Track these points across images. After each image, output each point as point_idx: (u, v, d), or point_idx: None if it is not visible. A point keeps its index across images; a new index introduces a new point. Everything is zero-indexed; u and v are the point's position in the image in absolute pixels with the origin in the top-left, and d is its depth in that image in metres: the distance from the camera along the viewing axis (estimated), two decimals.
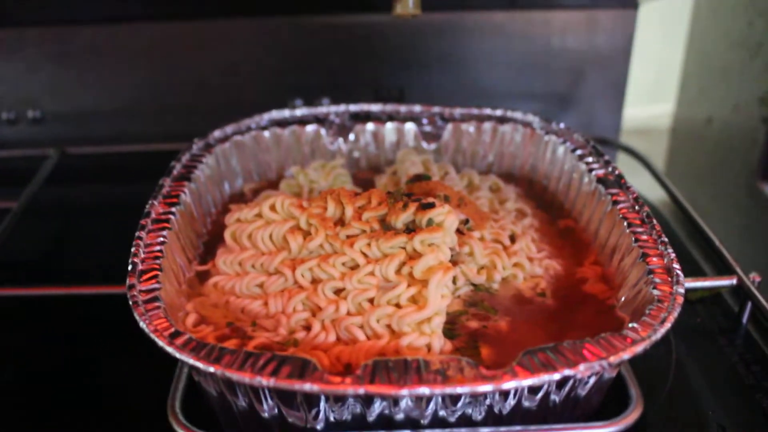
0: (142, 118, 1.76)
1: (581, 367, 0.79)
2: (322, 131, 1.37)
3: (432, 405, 0.85)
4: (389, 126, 1.38)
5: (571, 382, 0.87)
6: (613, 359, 0.80)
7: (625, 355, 0.81)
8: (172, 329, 0.86)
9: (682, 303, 0.87)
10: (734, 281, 1.14)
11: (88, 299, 1.16)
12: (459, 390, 0.77)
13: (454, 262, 1.03)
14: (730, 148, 1.81)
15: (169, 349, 0.83)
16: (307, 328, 0.96)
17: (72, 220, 1.57)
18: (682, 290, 0.90)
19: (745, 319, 1.16)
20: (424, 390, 0.77)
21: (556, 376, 0.78)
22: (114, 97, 1.75)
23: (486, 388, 0.77)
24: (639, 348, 0.82)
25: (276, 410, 0.87)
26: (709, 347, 1.14)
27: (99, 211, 1.59)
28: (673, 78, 2.15)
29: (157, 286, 0.93)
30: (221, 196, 1.28)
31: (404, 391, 0.77)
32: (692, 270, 1.25)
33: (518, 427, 0.88)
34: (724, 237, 1.26)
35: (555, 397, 0.89)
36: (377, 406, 0.85)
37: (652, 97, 2.41)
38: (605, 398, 0.97)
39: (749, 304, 1.15)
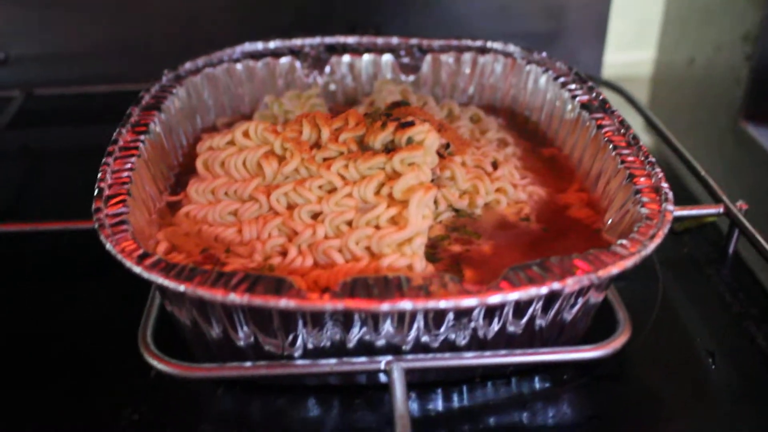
0: (109, 59, 1.70)
1: (569, 281, 0.76)
2: (297, 64, 1.33)
3: (414, 329, 0.81)
4: (366, 58, 1.34)
5: (557, 305, 0.84)
6: (602, 273, 0.77)
7: (615, 270, 0.78)
8: (141, 251, 0.82)
9: (669, 233, 0.84)
10: (721, 209, 1.11)
11: (56, 235, 1.12)
12: (442, 305, 0.73)
13: (436, 186, 0.99)
14: (713, 88, 1.78)
15: (137, 269, 0.79)
16: (283, 254, 0.92)
17: (39, 162, 1.52)
18: (671, 207, 0.87)
19: (731, 248, 1.14)
20: (405, 304, 0.73)
21: (544, 290, 0.75)
22: (80, 37, 1.69)
23: (470, 302, 0.74)
24: (628, 263, 0.79)
25: (252, 338, 0.84)
26: (696, 277, 1.12)
27: (67, 152, 1.53)
28: (655, 24, 2.11)
29: (124, 210, 0.89)
30: (193, 130, 1.23)
31: (385, 306, 0.73)
32: (678, 201, 1.22)
33: (503, 351, 0.85)
34: (709, 172, 1.23)
35: (541, 322, 0.86)
36: (357, 331, 0.82)
37: (633, 44, 2.37)
38: (592, 325, 0.94)
39: (736, 232, 1.12)
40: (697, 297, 1.08)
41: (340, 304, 0.73)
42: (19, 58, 1.69)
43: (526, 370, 0.93)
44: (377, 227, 0.90)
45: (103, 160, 0.97)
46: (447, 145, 1.03)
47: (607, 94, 1.56)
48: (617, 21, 1.91)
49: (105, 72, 1.67)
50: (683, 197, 1.32)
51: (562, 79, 1.20)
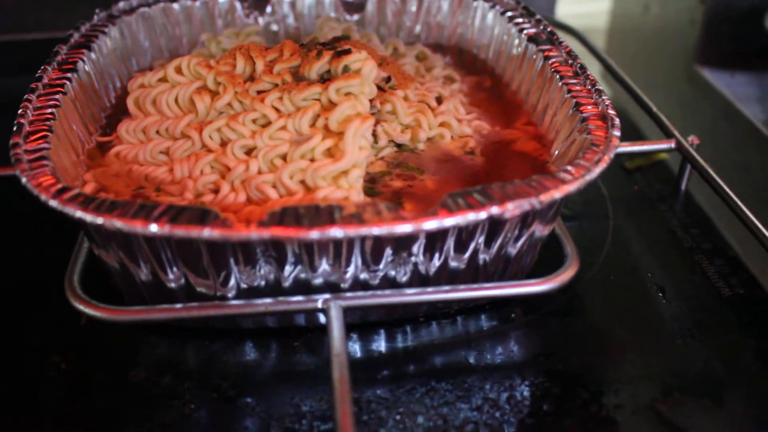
0: (44, 5, 1.61)
1: (509, 205, 0.72)
2: (237, 4, 1.27)
3: (352, 266, 0.78)
4: None
5: (501, 238, 0.81)
6: (543, 197, 0.74)
7: (557, 194, 0.75)
8: (60, 185, 0.77)
9: (620, 171, 0.81)
10: (672, 144, 1.08)
11: None
12: (375, 231, 0.69)
13: (377, 121, 0.95)
14: (668, 33, 1.75)
15: (54, 203, 0.74)
16: (216, 191, 0.87)
17: None
18: (617, 133, 0.84)
19: (683, 184, 1.11)
20: (336, 232, 0.69)
21: (483, 215, 0.71)
22: None
23: (405, 228, 0.70)
24: (571, 187, 0.76)
25: (183, 279, 0.80)
26: (648, 213, 1.09)
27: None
28: None
29: (45, 146, 0.84)
30: (128, 72, 1.17)
31: (314, 233, 0.69)
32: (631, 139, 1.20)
33: (446, 287, 0.82)
34: (663, 112, 1.20)
35: (484, 256, 0.82)
36: (291, 269, 0.78)
37: None
38: (539, 262, 0.91)
39: (688, 167, 1.09)
40: (649, 233, 1.05)
41: (267, 233, 0.69)
42: None
43: (472, 309, 0.90)
44: (312, 160, 0.85)
45: (25, 96, 0.92)
46: (388, 79, 0.99)
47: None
48: None
49: (39, 19, 1.59)
50: (638, 137, 1.30)
51: (509, 14, 1.15)
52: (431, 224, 0.70)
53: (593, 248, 1.00)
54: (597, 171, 0.78)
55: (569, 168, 0.78)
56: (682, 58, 1.68)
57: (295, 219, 0.70)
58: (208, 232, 0.69)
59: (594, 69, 1.42)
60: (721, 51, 1.63)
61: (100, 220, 0.71)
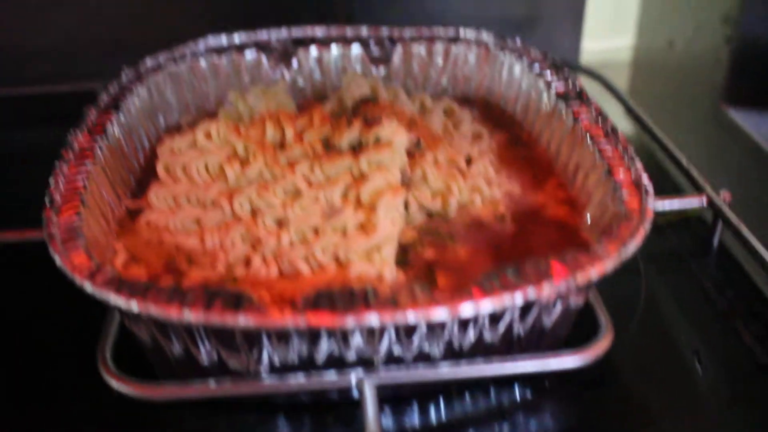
0: (71, 57, 1.63)
1: (545, 286, 0.72)
2: (263, 58, 1.27)
3: (385, 342, 0.77)
4: (334, 50, 1.28)
5: (536, 311, 0.80)
6: (580, 278, 0.73)
7: (594, 273, 0.74)
8: (93, 266, 0.76)
9: (651, 227, 0.80)
10: (704, 200, 1.07)
11: (9, 247, 1.05)
12: (411, 317, 0.69)
13: (406, 187, 0.95)
14: (693, 71, 1.74)
15: (88, 287, 0.74)
16: (248, 263, 0.87)
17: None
18: (652, 203, 0.83)
19: (716, 240, 1.10)
20: (372, 318, 0.69)
21: (518, 298, 0.71)
22: (40, 34, 1.62)
23: (440, 314, 0.69)
24: (608, 264, 0.75)
25: (215, 355, 0.79)
26: (680, 272, 1.08)
27: (28, 156, 1.46)
28: (632, 9, 2.07)
29: (77, 220, 0.84)
30: (156, 130, 1.18)
31: (349, 321, 0.69)
32: (661, 192, 1.18)
33: (480, 361, 0.81)
34: (691, 159, 1.19)
35: (519, 329, 0.81)
36: (325, 346, 0.77)
37: (611, 30, 2.33)
38: (573, 331, 0.90)
39: (720, 223, 1.08)
40: (682, 293, 1.04)
41: (302, 320, 0.69)
42: None
43: (505, 380, 0.89)
44: (344, 233, 0.85)
45: (56, 165, 0.92)
46: (417, 142, 0.99)
47: (585, 81, 1.52)
48: (594, 6, 1.87)
49: (59, 71, 1.60)
50: (666, 187, 1.28)
51: (537, 68, 1.15)
52: (467, 309, 0.70)
53: (626, 310, 0.99)
54: (633, 246, 0.77)
55: (604, 243, 0.77)
56: (709, 97, 1.67)
57: (330, 303, 0.70)
58: (243, 320, 0.69)
59: (619, 110, 1.42)
60: (749, 90, 1.61)
61: (134, 306, 0.71)
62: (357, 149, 0.91)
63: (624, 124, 1.42)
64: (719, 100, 1.62)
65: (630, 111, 1.34)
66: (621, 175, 0.89)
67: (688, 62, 1.78)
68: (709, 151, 1.66)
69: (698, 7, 1.71)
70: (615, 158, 0.92)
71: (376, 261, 0.82)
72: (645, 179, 0.87)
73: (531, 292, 0.71)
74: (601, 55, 2.07)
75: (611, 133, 0.96)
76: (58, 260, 0.77)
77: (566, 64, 1.15)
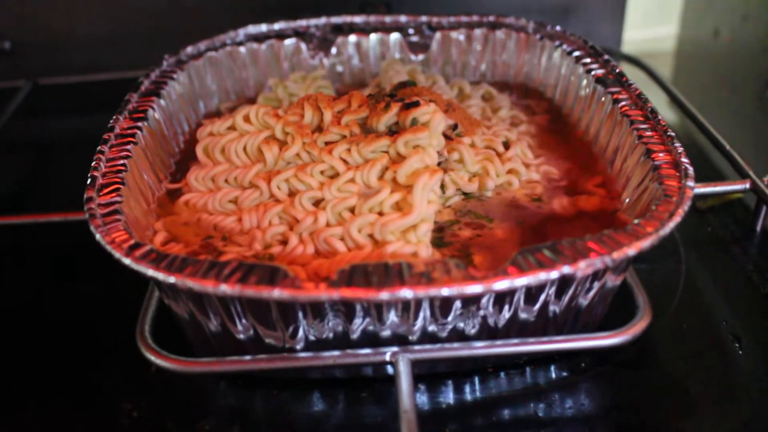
0: (118, 46, 1.66)
1: (581, 264, 0.71)
2: (302, 45, 1.28)
3: (420, 319, 0.77)
4: (373, 37, 1.29)
5: (571, 290, 0.79)
6: (616, 255, 0.72)
7: (630, 251, 0.73)
8: (132, 241, 0.78)
9: (692, 212, 0.79)
10: (747, 185, 1.05)
11: (57, 227, 1.08)
12: (445, 292, 0.69)
13: (444, 169, 0.95)
14: (739, 60, 1.71)
15: (127, 261, 0.75)
16: (284, 242, 0.88)
17: (47, 153, 1.48)
18: (691, 183, 0.82)
19: (759, 225, 1.08)
20: (405, 293, 0.69)
21: (554, 275, 0.70)
22: (88, 24, 1.65)
23: (475, 289, 0.69)
24: (645, 243, 0.74)
25: (251, 330, 0.80)
26: (721, 257, 1.06)
27: (75, 143, 1.50)
28: None
29: (118, 199, 0.86)
30: (196, 116, 1.19)
31: (384, 295, 0.69)
32: (704, 178, 1.17)
33: (515, 340, 0.81)
34: (737, 148, 1.17)
35: (554, 308, 0.81)
36: (360, 322, 0.77)
37: (655, 19, 2.30)
38: (610, 312, 0.89)
39: (764, 208, 1.06)
40: (723, 278, 1.02)
41: (336, 294, 0.69)
42: (24, 48, 1.66)
43: (542, 359, 0.88)
44: (380, 213, 0.85)
45: (98, 148, 0.94)
46: (455, 126, 0.99)
47: (628, 69, 1.51)
48: None
49: (112, 59, 1.63)
50: (709, 174, 1.26)
51: (576, 54, 1.14)
52: (502, 284, 0.69)
53: (665, 294, 0.98)
54: (671, 225, 0.76)
55: (642, 221, 0.77)
56: (754, 85, 1.64)
57: (364, 278, 0.70)
58: (278, 293, 0.69)
59: (662, 98, 1.40)
60: None
61: (171, 279, 0.72)
62: (394, 131, 0.91)
63: (666, 112, 1.40)
64: (765, 88, 1.59)
65: (673, 97, 1.32)
66: (660, 156, 0.88)
67: (733, 51, 1.76)
68: (754, 138, 1.63)
69: None
70: (654, 140, 0.91)
71: (412, 240, 0.82)
72: (685, 160, 0.86)
73: (566, 270, 0.71)
74: (645, 45, 2.04)
75: (651, 115, 0.95)
76: (98, 236, 0.79)
77: (606, 52, 1.14)
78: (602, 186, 0.99)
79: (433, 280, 0.70)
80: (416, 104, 0.90)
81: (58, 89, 1.60)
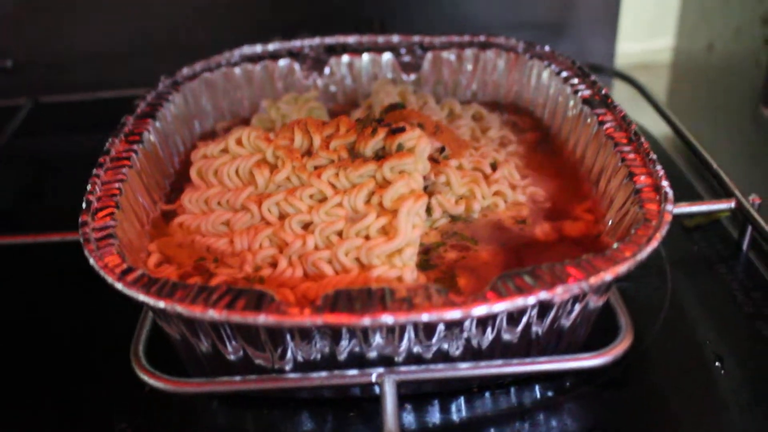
0: (118, 64, 1.69)
1: (558, 289, 0.73)
2: (296, 66, 1.31)
3: (405, 340, 0.79)
4: (366, 57, 1.31)
5: (553, 312, 0.81)
6: (593, 281, 0.74)
7: (607, 276, 0.75)
8: (125, 266, 0.80)
9: (679, 230, 0.81)
10: (732, 204, 1.07)
11: (54, 246, 1.10)
12: (425, 318, 0.71)
13: (430, 192, 0.97)
14: (733, 73, 1.73)
15: (119, 286, 0.77)
16: (274, 265, 0.90)
17: (46, 172, 1.51)
18: (670, 207, 0.84)
19: (745, 245, 1.10)
20: (386, 318, 0.71)
21: (531, 300, 0.72)
22: (89, 42, 1.68)
23: (454, 314, 0.71)
24: (622, 268, 0.76)
25: (241, 352, 0.82)
26: (707, 275, 1.08)
27: (74, 161, 1.52)
28: (673, 11, 2.06)
29: (112, 223, 0.88)
30: (191, 136, 1.22)
31: (366, 320, 0.71)
32: (690, 197, 1.18)
33: (498, 362, 0.82)
34: (727, 164, 1.18)
35: (537, 329, 0.83)
36: (346, 344, 0.79)
37: (651, 32, 2.32)
38: (594, 331, 0.91)
39: (749, 228, 1.08)
40: (708, 297, 1.04)
41: (320, 319, 0.71)
42: (25, 66, 1.68)
43: (526, 379, 0.90)
44: (367, 237, 0.87)
45: (94, 171, 0.96)
46: (442, 149, 1.01)
47: (619, 84, 1.53)
48: (634, 9, 1.87)
49: (114, 78, 1.66)
50: (705, 189, 1.28)
51: (564, 74, 1.16)
52: (480, 310, 0.71)
53: (651, 313, 0.99)
54: (648, 249, 0.78)
55: (620, 245, 0.79)
56: (748, 99, 1.66)
57: (348, 303, 0.72)
58: (263, 318, 0.72)
59: (655, 113, 1.42)
60: None
61: (161, 305, 0.74)
62: (381, 156, 0.93)
63: (660, 127, 1.41)
64: (758, 103, 1.61)
65: (662, 114, 1.34)
66: (642, 179, 0.90)
67: (727, 65, 1.78)
68: (748, 153, 1.65)
69: (738, 10, 1.71)
70: (637, 163, 0.93)
71: (397, 264, 0.84)
72: (665, 184, 0.87)
73: (543, 295, 0.73)
74: (640, 57, 2.06)
75: (634, 137, 0.97)
76: (92, 261, 0.81)
77: (597, 68, 1.16)
78: (590, 212, 1.00)
79: (414, 305, 0.72)
80: (402, 130, 0.92)
81: (59, 107, 1.63)
